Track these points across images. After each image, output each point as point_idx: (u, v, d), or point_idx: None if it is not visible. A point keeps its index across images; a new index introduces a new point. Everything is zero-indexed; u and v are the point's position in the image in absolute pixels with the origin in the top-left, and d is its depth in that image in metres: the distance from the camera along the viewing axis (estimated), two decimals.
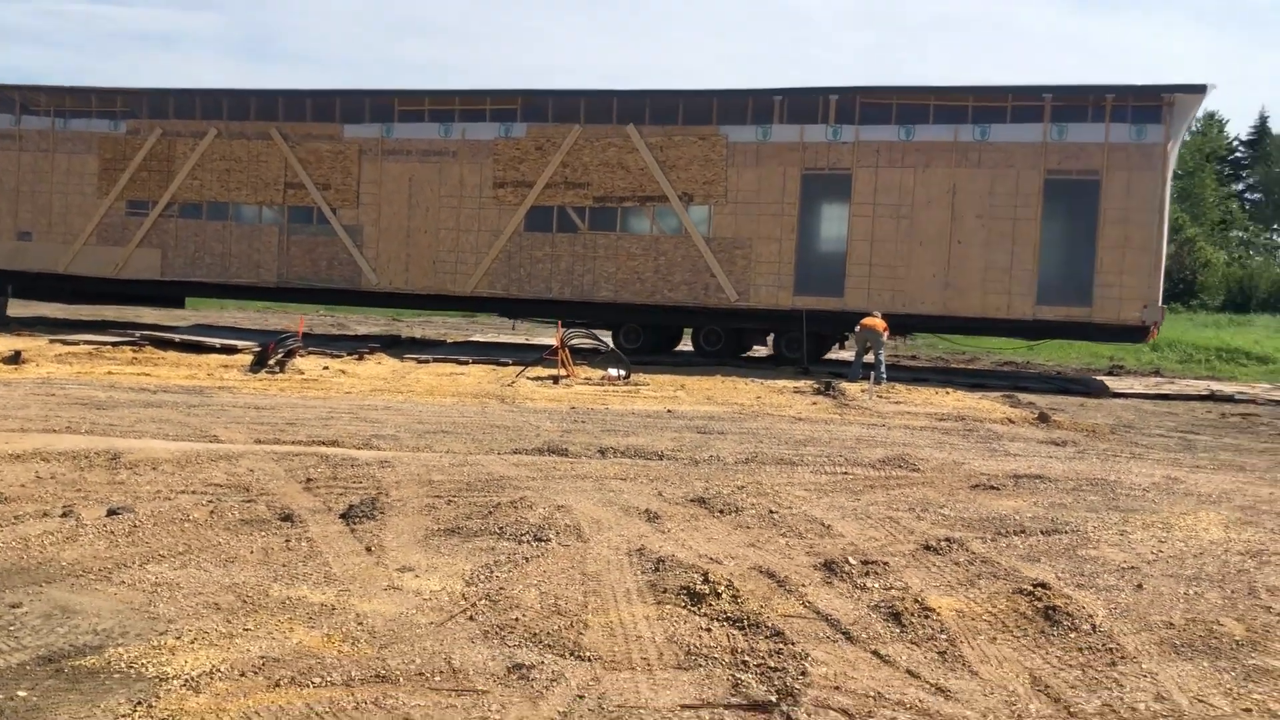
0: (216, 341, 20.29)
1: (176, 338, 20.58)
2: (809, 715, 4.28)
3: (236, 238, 23.89)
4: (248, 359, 18.67)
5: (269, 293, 24.43)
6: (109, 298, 26.14)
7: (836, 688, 4.54)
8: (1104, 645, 5.35)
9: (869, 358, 19.03)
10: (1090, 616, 5.70)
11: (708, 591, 5.75)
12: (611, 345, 20.22)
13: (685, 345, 24.32)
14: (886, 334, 18.87)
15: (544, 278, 22.56)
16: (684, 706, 4.36)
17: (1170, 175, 20.60)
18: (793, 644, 5.09)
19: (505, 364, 19.36)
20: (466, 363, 19.68)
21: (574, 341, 19.48)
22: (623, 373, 17.82)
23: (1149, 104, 19.93)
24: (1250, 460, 12.10)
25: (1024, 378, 21.93)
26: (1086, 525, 8.01)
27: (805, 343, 21.15)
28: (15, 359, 17.00)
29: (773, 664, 4.73)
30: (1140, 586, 6.41)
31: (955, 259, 20.68)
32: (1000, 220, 20.43)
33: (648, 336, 23.03)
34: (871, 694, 4.50)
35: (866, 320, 18.98)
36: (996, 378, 21.44)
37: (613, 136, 22.13)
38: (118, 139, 24.37)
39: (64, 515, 7.31)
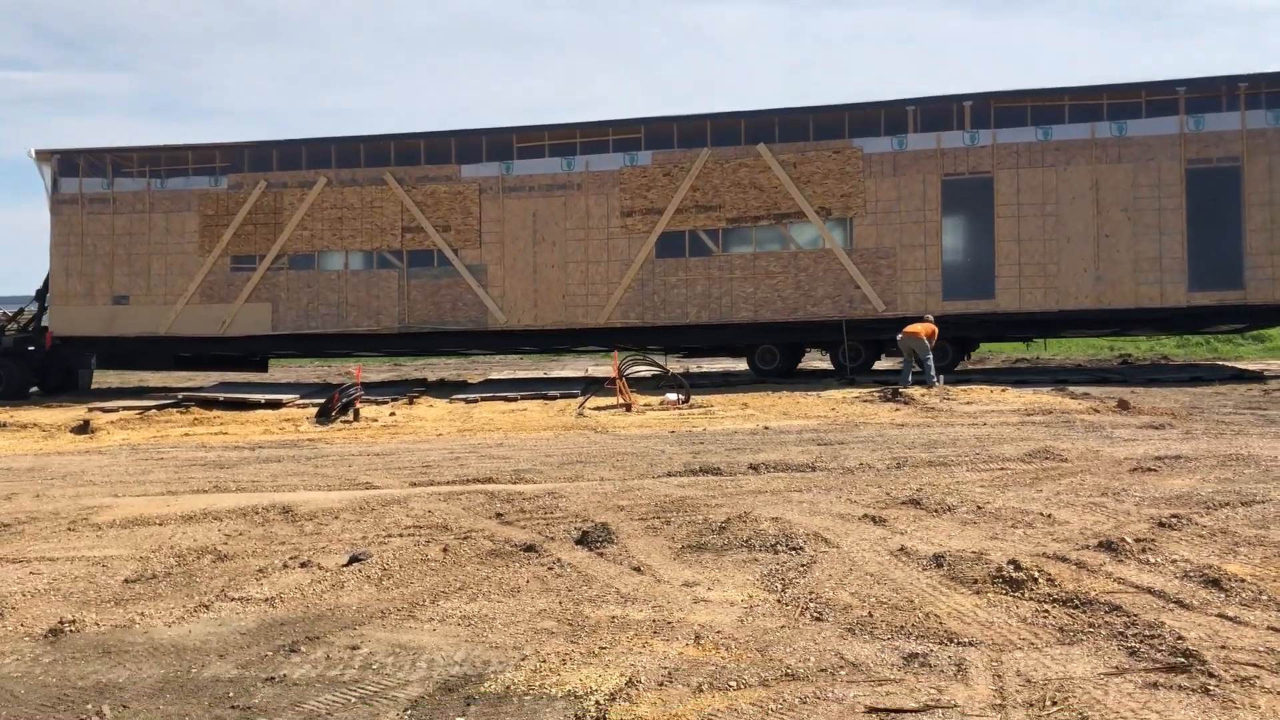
0: (260, 397, 21.21)
1: (220, 396, 21.48)
2: (1225, 667, 4.76)
3: (353, 286, 24.83)
4: (299, 411, 19.59)
5: (390, 339, 25.29)
6: (213, 361, 26.78)
7: (1223, 647, 5.02)
8: None
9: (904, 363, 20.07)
10: None
11: (1024, 578, 6.27)
12: (670, 369, 21.19)
13: (810, 363, 25.13)
14: (933, 339, 19.88)
15: (679, 303, 23.35)
16: (1107, 675, 4.84)
17: None
18: (1139, 615, 5.60)
19: (553, 397, 20.43)
20: (515, 399, 20.51)
21: (630, 371, 20.45)
22: (682, 396, 18.84)
23: None
24: None
25: (1050, 371, 23.54)
26: (1274, 494, 8.62)
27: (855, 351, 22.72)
28: (85, 428, 17.92)
29: (1146, 633, 5.23)
30: None
31: (1104, 253, 21.59)
32: (1146, 212, 21.50)
33: (783, 358, 23.83)
34: (1263, 649, 4.98)
35: (909, 328, 20.02)
36: (1034, 373, 22.88)
37: (743, 157, 23.06)
38: (219, 195, 25.28)
39: (303, 566, 7.61)
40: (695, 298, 23.33)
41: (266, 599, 6.86)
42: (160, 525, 9.39)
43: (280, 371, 29.14)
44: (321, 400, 19.65)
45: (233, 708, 4.98)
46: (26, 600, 7.09)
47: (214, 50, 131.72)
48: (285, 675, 5.38)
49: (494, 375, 28.31)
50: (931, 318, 20.73)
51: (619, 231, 23.62)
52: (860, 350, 23.17)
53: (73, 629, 6.32)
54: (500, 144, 24.20)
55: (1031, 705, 4.53)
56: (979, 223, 22.32)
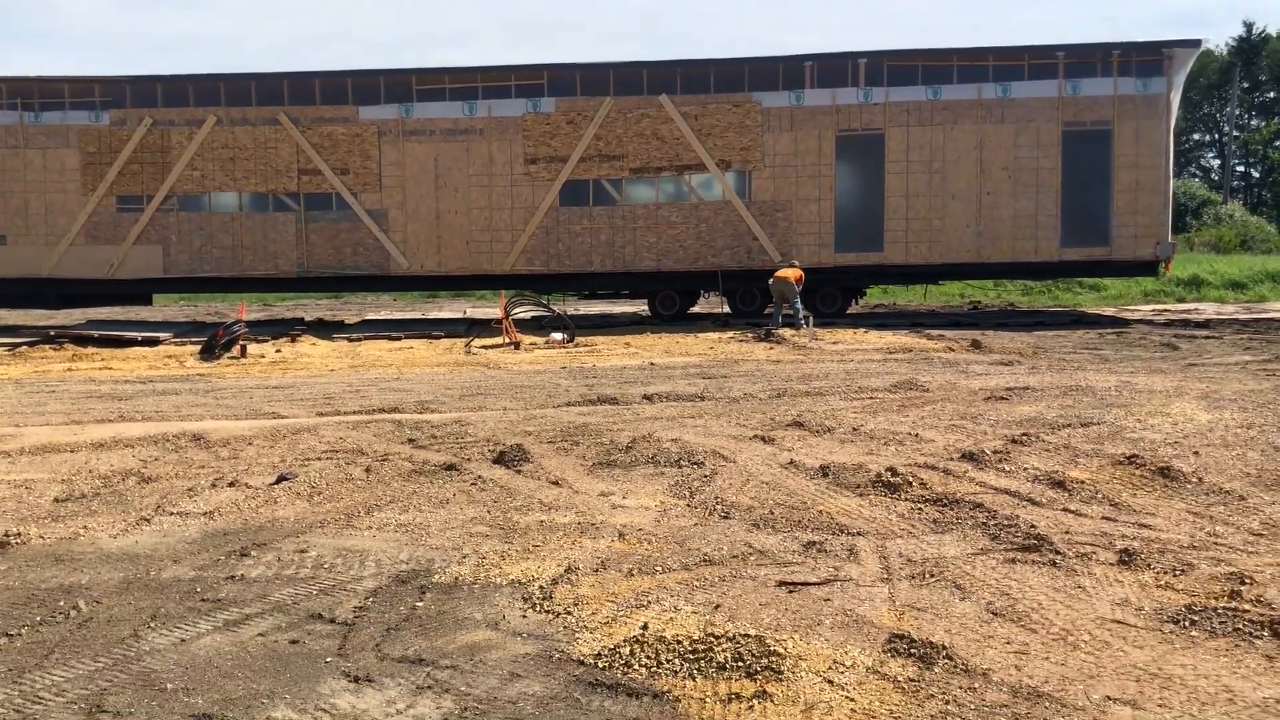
0: (137, 335, 21.14)
1: (95, 334, 21.26)
2: (1069, 547, 5.79)
3: (248, 229, 24.62)
4: (179, 348, 19.72)
5: (289, 283, 25.24)
6: (101, 299, 26.43)
7: (1067, 532, 6.07)
8: (1219, 489, 7.14)
9: (784, 309, 21.35)
10: (1191, 474, 7.45)
11: (901, 482, 7.30)
12: (555, 311, 22.03)
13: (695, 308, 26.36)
14: (800, 284, 21.25)
15: (584, 251, 23.98)
16: (974, 554, 5.83)
17: (1173, 122, 23.50)
18: (998, 510, 6.65)
19: (438, 336, 21.01)
20: (400, 338, 20.95)
21: (516, 312, 21.25)
22: (567, 336, 19.70)
23: (1151, 59, 22.99)
24: (1160, 365, 14.95)
25: (907, 315, 25.33)
26: (1107, 417, 9.94)
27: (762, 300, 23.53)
28: None
29: (1005, 523, 6.24)
30: (1197, 453, 8.21)
31: (985, 209, 23.12)
32: (1024, 171, 23.15)
33: (682, 302, 24.97)
34: (1098, 533, 6.04)
35: (780, 273, 21.33)
36: (891, 317, 24.63)
37: (646, 107, 23.72)
38: (100, 131, 24.54)
39: (232, 485, 8.01)
40: (599, 246, 24.02)
41: (205, 513, 7.29)
42: (72, 452, 9.61)
43: (147, 310, 28.77)
44: (201, 338, 19.70)
45: (203, 600, 5.52)
46: None
47: None
48: (243, 575, 5.91)
49: (370, 315, 28.50)
50: (798, 263, 22.11)
51: (523, 178, 24.04)
52: (756, 295, 24.21)
53: (18, 541, 6.68)
54: (399, 85, 24.21)
55: (914, 577, 5.49)
56: (870, 178, 23.60)
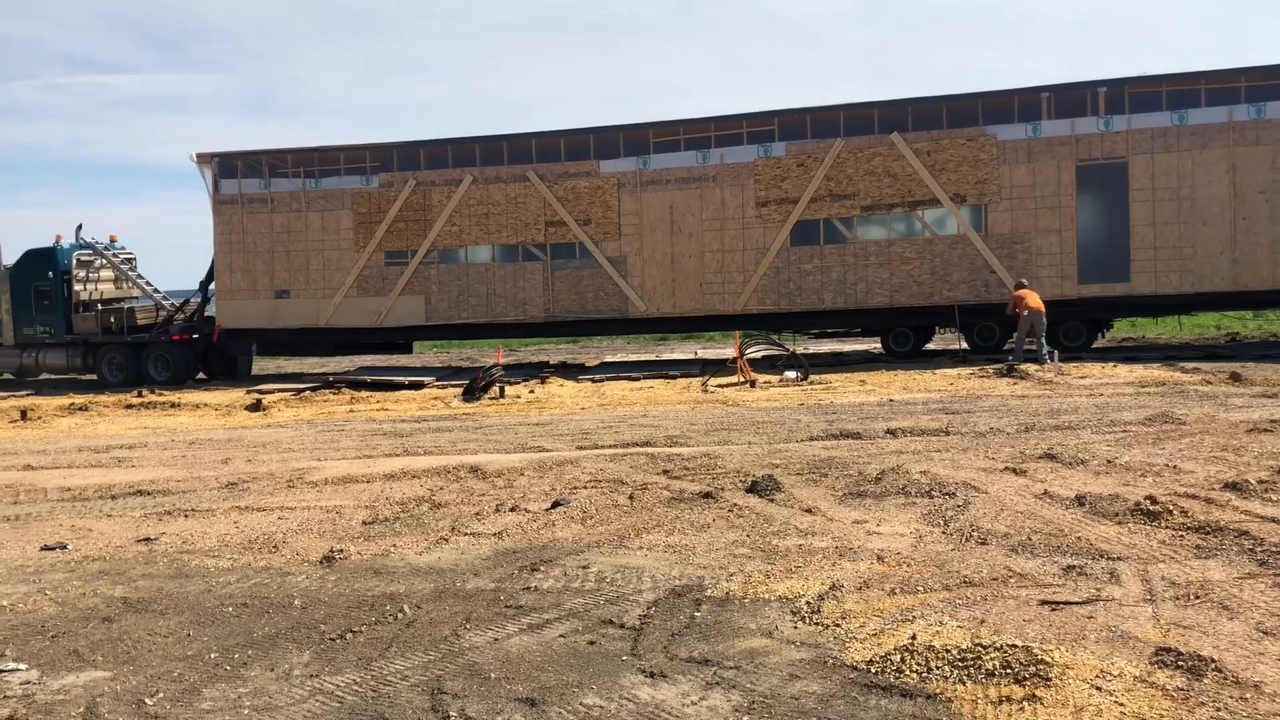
0: (404, 379, 22.92)
1: (368, 379, 23.21)
2: None
3: (500, 278, 26.34)
4: (441, 390, 21.07)
5: (535, 328, 26.80)
6: (368, 348, 28.84)
7: None
8: None
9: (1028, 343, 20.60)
10: None
11: (1160, 510, 7.27)
12: (789, 349, 22.14)
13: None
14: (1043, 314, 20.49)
15: (814, 289, 24.30)
16: (1241, 578, 5.87)
17: None
18: (1266, 538, 6.57)
19: (674, 376, 21.71)
20: (639, 378, 21.71)
21: (750, 352, 21.46)
22: (800, 374, 19.81)
23: None
24: None
25: (1158, 348, 23.93)
26: None
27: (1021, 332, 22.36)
28: (258, 406, 19.67)
29: (1274, 550, 6.19)
30: None
31: (1241, 235, 21.92)
32: None
33: (916, 339, 24.74)
34: None
35: (1036, 304, 20.54)
36: (1142, 350, 23.37)
37: (877, 146, 23.87)
38: (371, 193, 26.87)
39: (513, 510, 8.77)
40: (830, 284, 24.27)
41: (494, 534, 8.08)
42: (368, 482, 10.66)
43: (406, 358, 31.04)
44: (459, 382, 21.24)
45: (507, 607, 6.24)
46: (291, 537, 8.50)
47: (300, 48, 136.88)
48: (536, 586, 6.61)
49: (608, 358, 29.56)
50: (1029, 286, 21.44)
51: (754, 221, 24.62)
52: (995, 329, 23.80)
53: (341, 556, 7.65)
54: (637, 139, 25.34)
55: (1178, 599, 5.56)
56: (1114, 207, 22.78)
